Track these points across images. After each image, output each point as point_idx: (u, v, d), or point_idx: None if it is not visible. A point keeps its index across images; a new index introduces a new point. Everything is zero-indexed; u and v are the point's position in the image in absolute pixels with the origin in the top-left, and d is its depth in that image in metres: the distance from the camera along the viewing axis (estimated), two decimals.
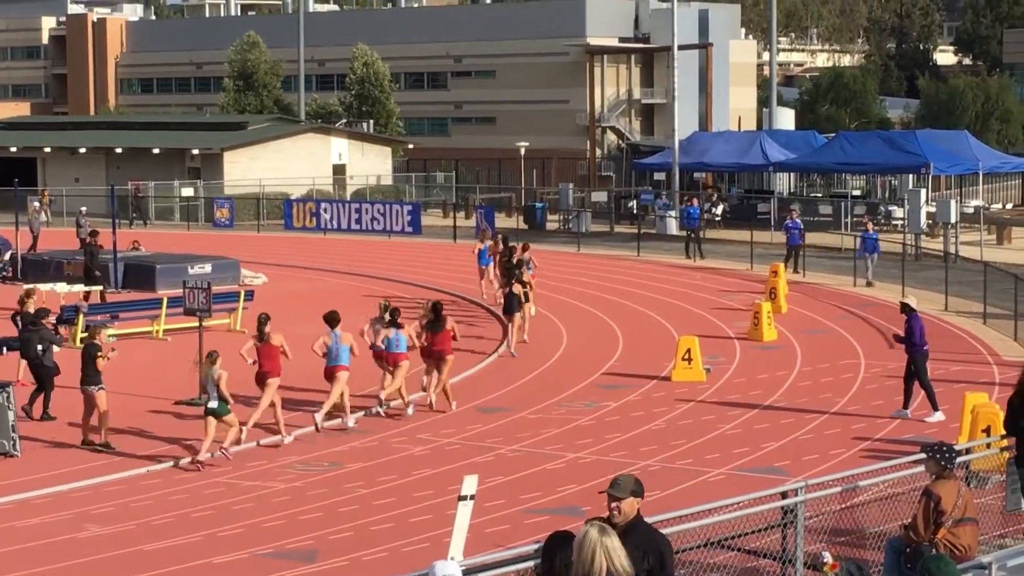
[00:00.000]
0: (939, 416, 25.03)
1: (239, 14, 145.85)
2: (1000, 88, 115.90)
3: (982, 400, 21.87)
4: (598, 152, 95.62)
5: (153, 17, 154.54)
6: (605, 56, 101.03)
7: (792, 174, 75.11)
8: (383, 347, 26.01)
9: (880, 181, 72.69)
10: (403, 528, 18.96)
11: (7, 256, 47.72)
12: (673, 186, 68.91)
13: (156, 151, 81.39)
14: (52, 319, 30.12)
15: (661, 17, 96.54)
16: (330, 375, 25.04)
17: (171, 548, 18.35)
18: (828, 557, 14.17)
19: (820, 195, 73.88)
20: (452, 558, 12.19)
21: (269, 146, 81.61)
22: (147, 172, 78.91)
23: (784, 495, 13.96)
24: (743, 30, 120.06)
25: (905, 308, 25.70)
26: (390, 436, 24.65)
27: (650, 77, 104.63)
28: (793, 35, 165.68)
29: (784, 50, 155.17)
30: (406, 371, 26.12)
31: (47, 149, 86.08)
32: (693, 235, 53.63)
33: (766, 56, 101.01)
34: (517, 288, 33.22)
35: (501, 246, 39.54)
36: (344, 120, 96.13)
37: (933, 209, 54.46)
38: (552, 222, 68.27)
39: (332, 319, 25.21)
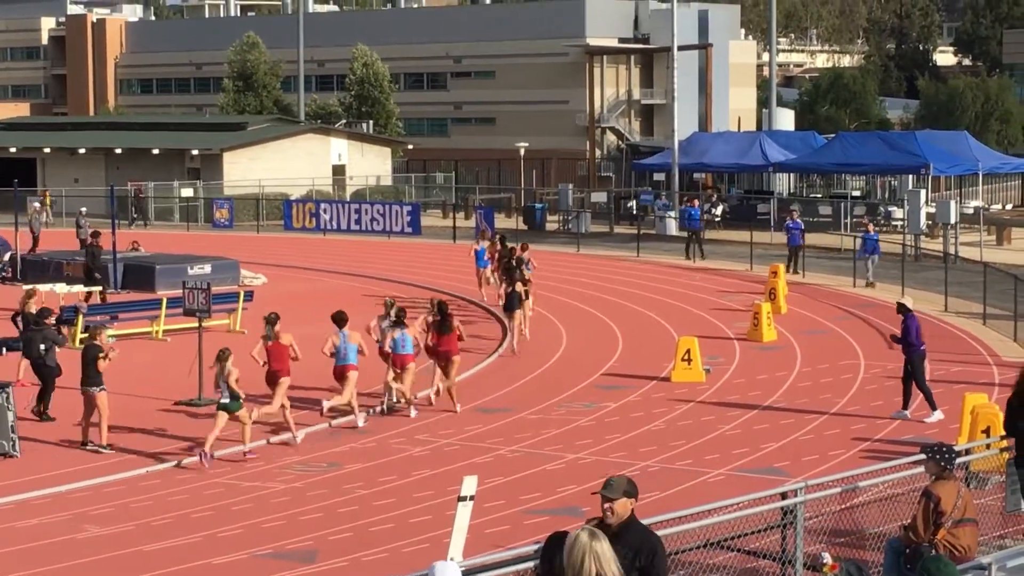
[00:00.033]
0: (938, 415, 25.05)
1: (239, 15, 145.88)
2: (1000, 89, 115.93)
3: (982, 401, 21.87)
4: (598, 153, 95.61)
5: (153, 18, 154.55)
6: (605, 57, 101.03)
7: (792, 175, 75.13)
8: (391, 349, 26.08)
9: (880, 182, 72.73)
10: (403, 529, 18.96)
11: (7, 257, 47.72)
12: (673, 187, 68.93)
13: (156, 152, 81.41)
14: (53, 319, 30.05)
15: (661, 17, 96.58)
16: (340, 375, 25.09)
17: (171, 549, 18.35)
18: (828, 558, 14.17)
19: (820, 196, 73.90)
20: (452, 559, 12.19)
21: (269, 147, 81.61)
22: (147, 173, 78.92)
23: (784, 496, 13.96)
24: (743, 31, 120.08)
25: (901, 308, 25.73)
26: (389, 437, 24.64)
27: (650, 78, 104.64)
28: (793, 36, 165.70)
29: (784, 51, 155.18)
30: (414, 373, 26.21)
31: (47, 150, 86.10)
32: (694, 236, 53.59)
33: (766, 57, 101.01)
34: (519, 286, 33.39)
35: (499, 247, 39.61)
36: (344, 121, 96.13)
37: (933, 210, 54.47)
38: (552, 223, 68.29)
39: (340, 319, 25.30)
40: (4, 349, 32.39)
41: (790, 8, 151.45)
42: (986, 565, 12.27)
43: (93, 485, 21.53)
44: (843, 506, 14.85)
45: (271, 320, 24.57)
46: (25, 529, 19.38)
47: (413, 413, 26.25)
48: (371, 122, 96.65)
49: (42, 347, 26.34)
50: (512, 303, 33.28)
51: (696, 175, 76.36)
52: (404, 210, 65.63)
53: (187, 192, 77.25)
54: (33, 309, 29.15)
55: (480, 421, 25.75)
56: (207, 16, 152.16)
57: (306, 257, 54.78)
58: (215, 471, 22.31)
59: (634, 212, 68.66)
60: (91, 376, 23.68)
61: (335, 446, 24.00)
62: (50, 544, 18.65)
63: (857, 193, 72.05)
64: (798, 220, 49.23)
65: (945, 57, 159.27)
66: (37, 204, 66.80)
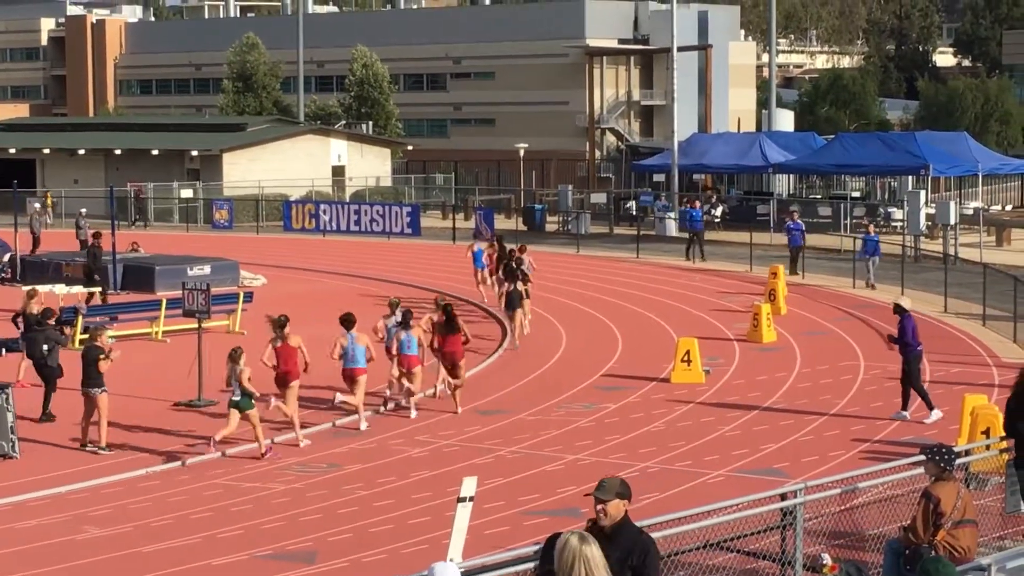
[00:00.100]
0: (937, 414, 25.06)
1: (238, 15, 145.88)
2: (999, 90, 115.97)
3: (981, 402, 21.86)
4: (597, 154, 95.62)
5: (152, 18, 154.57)
6: (604, 57, 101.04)
7: (791, 176, 75.17)
8: (397, 351, 26.17)
9: (879, 183, 72.76)
10: (402, 530, 18.95)
11: (6, 258, 47.71)
12: (672, 188, 68.95)
13: (155, 152, 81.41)
14: (53, 320, 30.05)
15: (660, 18, 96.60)
16: (348, 377, 25.13)
17: (170, 550, 18.34)
18: (827, 559, 14.17)
19: (819, 197, 73.92)
20: (451, 560, 12.19)
21: (268, 147, 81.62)
22: (146, 173, 78.92)
23: (783, 497, 13.96)
24: (742, 31, 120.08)
25: (898, 309, 25.76)
26: (389, 438, 24.64)
27: (649, 78, 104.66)
28: (792, 37, 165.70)
29: (783, 52, 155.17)
30: (420, 375, 26.34)
31: (46, 150, 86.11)
32: (695, 237, 53.48)
33: (765, 58, 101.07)
34: (519, 285, 33.66)
35: (497, 248, 39.71)
36: (343, 121, 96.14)
37: (932, 211, 54.48)
38: (551, 223, 68.32)
39: (348, 321, 25.31)
40: (4, 350, 32.40)
41: (790, 9, 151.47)
42: (986, 566, 12.27)
43: (92, 486, 21.52)
44: (843, 507, 14.84)
45: (280, 323, 24.50)
46: (24, 530, 19.37)
47: (413, 414, 26.28)
48: (371, 123, 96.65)
49: (44, 347, 26.37)
50: (513, 302, 33.39)
51: (696, 176, 76.41)
52: (404, 211, 65.64)
53: (187, 193, 77.27)
54: (35, 310, 29.18)
55: (479, 422, 25.75)
56: (207, 17, 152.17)
57: (306, 258, 54.78)
58: (214, 472, 22.31)
59: (633, 213, 68.67)
60: (92, 377, 23.68)
61: (335, 447, 23.99)
62: (49, 545, 18.64)
63: (857, 194, 72.08)
64: (799, 221, 49.21)
65: (945, 58, 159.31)
66: (38, 205, 66.80)
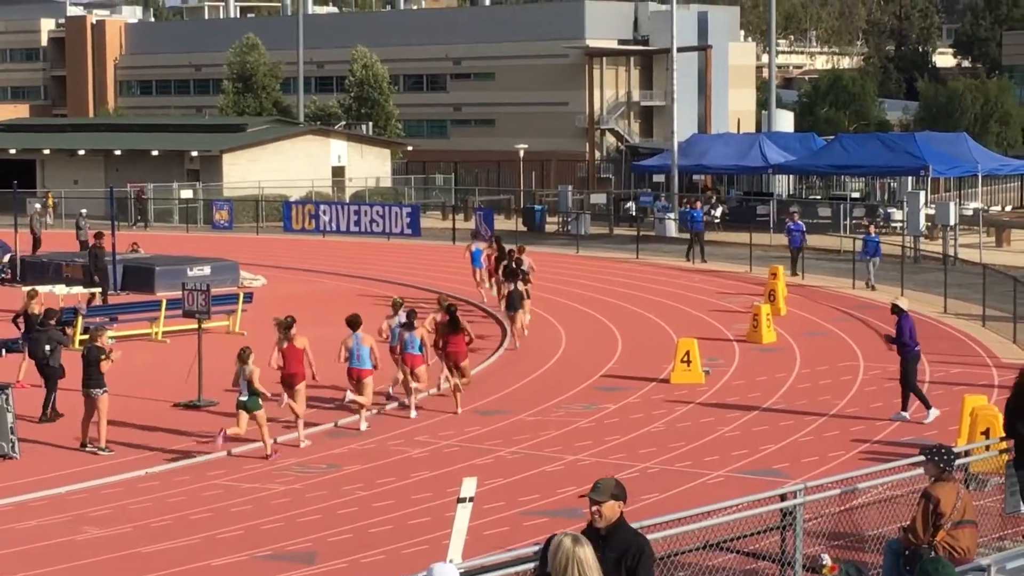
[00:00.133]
0: (935, 413, 25.11)
1: (238, 16, 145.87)
2: (999, 90, 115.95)
3: (981, 402, 21.87)
4: (597, 154, 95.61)
5: (152, 19, 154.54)
6: (604, 58, 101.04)
7: (791, 176, 75.20)
8: (400, 350, 26.31)
9: (879, 183, 72.78)
10: (402, 530, 18.95)
11: (6, 259, 47.71)
12: (672, 188, 68.97)
13: (155, 153, 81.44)
14: (54, 321, 30.09)
15: (660, 19, 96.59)
16: (355, 378, 25.17)
17: (169, 550, 18.34)
18: (827, 559, 14.19)
19: (819, 197, 73.94)
20: (451, 560, 12.19)
21: (268, 148, 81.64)
22: (146, 174, 78.95)
23: (783, 497, 13.96)
24: (742, 32, 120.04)
25: (895, 309, 25.79)
26: (388, 438, 24.64)
27: (649, 79, 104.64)
28: (792, 37, 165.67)
29: (783, 52, 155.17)
30: (425, 373, 26.50)
31: (46, 151, 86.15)
32: (696, 238, 53.39)
33: (765, 58, 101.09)
34: (520, 285, 33.79)
35: (496, 249, 39.77)
36: (343, 122, 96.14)
37: (932, 211, 54.50)
38: (551, 224, 68.34)
39: (354, 322, 25.37)
40: (3, 351, 32.41)
41: (789, 10, 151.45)
42: (985, 567, 12.27)
43: (92, 487, 21.52)
44: (842, 508, 14.85)
45: (287, 324, 24.52)
46: (24, 531, 19.37)
47: (413, 414, 26.30)
48: (370, 124, 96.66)
49: (47, 348, 26.39)
50: (513, 303, 33.47)
51: (695, 177, 76.45)
52: (403, 211, 65.65)
53: (187, 194, 77.30)
54: (36, 310, 29.21)
55: (479, 423, 25.75)
56: (206, 17, 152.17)
57: (305, 259, 54.79)
58: (214, 472, 22.31)
59: (632, 213, 68.72)
60: (94, 378, 23.69)
61: (335, 448, 24.00)
62: (49, 546, 18.65)
63: (856, 195, 72.13)
64: (799, 222, 49.16)
65: (944, 59, 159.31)
66: (38, 205, 66.81)
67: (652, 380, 29.42)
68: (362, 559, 17.86)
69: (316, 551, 18.18)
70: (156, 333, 35.39)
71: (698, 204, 57.51)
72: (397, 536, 18.68)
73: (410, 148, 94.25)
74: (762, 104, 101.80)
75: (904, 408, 25.43)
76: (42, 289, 34.14)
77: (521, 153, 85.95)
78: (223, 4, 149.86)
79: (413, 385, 26.45)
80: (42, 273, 44.66)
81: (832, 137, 77.30)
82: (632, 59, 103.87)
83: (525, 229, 65.30)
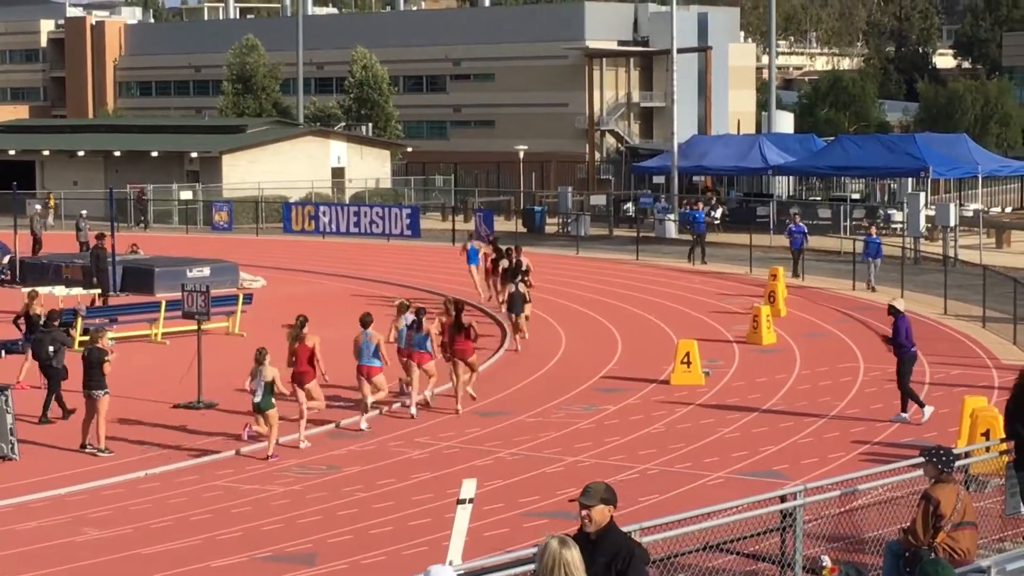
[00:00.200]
0: (929, 410, 25.17)
1: (238, 17, 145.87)
2: (999, 91, 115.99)
3: (981, 404, 21.87)
4: (597, 155, 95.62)
5: (152, 20, 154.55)
6: (604, 59, 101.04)
7: (791, 177, 75.20)
8: (408, 345, 26.51)
9: (879, 185, 72.78)
10: (402, 531, 18.95)
11: (6, 260, 47.69)
12: (672, 189, 68.97)
13: (155, 154, 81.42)
14: (57, 322, 30.10)
15: (660, 20, 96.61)
16: (364, 374, 25.40)
17: (169, 551, 18.34)
18: (827, 561, 14.19)
19: (819, 199, 73.95)
20: (451, 562, 12.19)
21: (268, 149, 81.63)
22: (146, 175, 78.95)
23: (783, 499, 13.96)
24: (742, 33, 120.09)
25: (892, 310, 25.82)
26: (388, 439, 24.64)
27: (649, 80, 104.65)
28: (792, 38, 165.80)
29: (783, 53, 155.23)
30: (434, 370, 26.80)
31: (46, 152, 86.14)
32: (698, 239, 53.30)
33: (765, 59, 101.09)
34: (522, 287, 33.83)
35: (494, 249, 39.90)
36: (343, 123, 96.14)
37: (932, 213, 54.50)
38: (551, 225, 68.33)
39: (365, 321, 25.67)
40: (3, 352, 32.41)
41: (789, 11, 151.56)
42: (985, 568, 12.28)
43: (92, 488, 21.52)
44: (842, 509, 14.85)
45: (300, 323, 24.75)
46: (24, 532, 19.37)
47: (413, 410, 26.43)
48: (370, 125, 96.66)
49: (51, 349, 26.40)
50: (515, 304, 33.63)
51: (695, 178, 76.44)
52: (403, 213, 65.64)
53: (186, 195, 77.30)
54: (38, 311, 29.23)
55: (479, 424, 25.75)
56: (206, 19, 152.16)
57: (305, 260, 54.78)
58: (214, 473, 22.31)
59: (631, 214, 68.76)
60: (96, 379, 23.70)
61: (335, 449, 23.99)
62: (49, 547, 18.64)
63: (856, 196, 72.13)
64: (801, 224, 49.08)
65: (944, 60, 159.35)
66: (39, 206, 66.80)
67: (652, 381, 29.41)
68: (362, 560, 17.86)
69: (316, 552, 18.18)
70: (155, 334, 35.38)
71: (699, 205, 57.44)
72: (397, 537, 18.68)
73: (410, 149, 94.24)
74: (762, 105, 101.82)
75: (904, 409, 25.44)
76: (42, 290, 34.14)
77: (521, 154, 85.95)
78: (223, 5, 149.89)
79: (416, 393, 26.56)
80: (42, 274, 44.64)
81: (832, 138, 77.34)
82: (632, 60, 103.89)
83: (525, 230, 65.31)
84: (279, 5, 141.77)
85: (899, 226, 57.54)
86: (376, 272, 50.04)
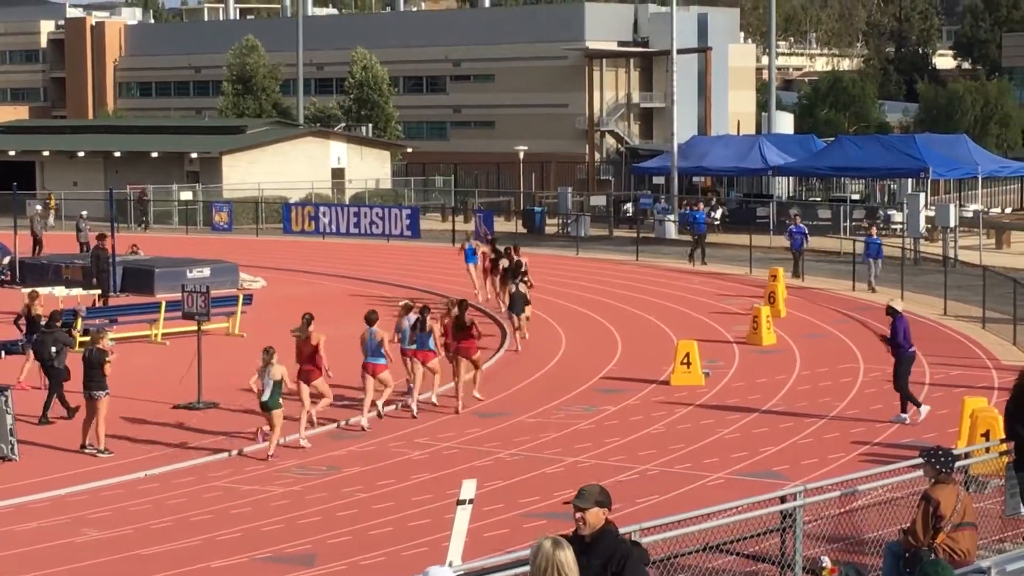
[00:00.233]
0: (925, 409, 25.20)
1: (238, 18, 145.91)
2: (999, 92, 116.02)
3: (981, 404, 21.87)
4: (597, 156, 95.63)
5: (152, 21, 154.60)
6: (604, 60, 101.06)
7: (791, 178, 75.20)
8: (413, 347, 26.62)
9: (879, 185, 72.80)
10: (402, 532, 18.95)
11: (6, 261, 47.68)
12: (672, 190, 68.98)
13: (155, 155, 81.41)
14: (60, 323, 30.12)
15: (660, 21, 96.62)
16: (368, 371, 25.52)
17: (169, 552, 18.33)
18: (827, 561, 14.19)
19: (819, 199, 73.95)
20: (451, 562, 12.19)
21: (268, 150, 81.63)
22: (145, 176, 78.95)
23: (783, 499, 13.95)
24: (742, 34, 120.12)
25: (890, 311, 25.84)
26: (388, 440, 24.64)
27: (649, 81, 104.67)
28: (792, 39, 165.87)
29: (783, 54, 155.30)
30: (439, 366, 26.93)
31: (46, 153, 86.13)
32: (699, 240, 53.28)
33: (765, 60, 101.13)
34: (522, 287, 33.88)
35: (492, 249, 39.99)
36: (343, 124, 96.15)
37: (932, 213, 54.51)
38: (551, 226, 68.33)
39: (371, 318, 25.83)
40: (3, 353, 32.40)
41: (789, 12, 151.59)
42: (985, 569, 12.27)
43: (91, 489, 21.51)
44: (842, 510, 14.84)
45: (306, 320, 24.91)
46: (24, 532, 19.37)
47: (414, 405, 26.52)
48: (370, 125, 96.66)
49: (53, 349, 26.41)
50: (516, 304, 33.71)
51: (695, 179, 76.44)
52: (403, 213, 65.64)
53: (186, 195, 77.29)
54: (39, 311, 29.24)
55: (479, 425, 25.75)
56: (206, 19, 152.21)
57: (305, 260, 54.77)
58: (214, 474, 22.31)
59: (629, 215, 68.78)
60: (96, 380, 23.70)
61: (334, 449, 23.99)
62: (49, 548, 18.64)
63: (856, 197, 72.12)
64: (801, 225, 49.03)
65: (944, 61, 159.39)
66: (39, 207, 66.80)
67: (652, 382, 29.41)
68: (362, 561, 17.86)
69: (316, 553, 18.18)
70: (155, 335, 35.38)
71: (700, 206, 57.41)
72: (397, 538, 18.67)
73: (410, 150, 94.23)
74: (762, 106, 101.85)
75: (904, 410, 25.43)
76: (42, 291, 34.12)
77: (521, 155, 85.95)
78: (223, 6, 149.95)
79: (418, 392, 26.72)
80: (42, 275, 44.63)
81: (832, 139, 77.35)
82: (632, 61, 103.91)
83: (525, 231, 65.31)
84: (279, 6, 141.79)
85: (899, 227, 57.53)
86: (376, 273, 50.04)
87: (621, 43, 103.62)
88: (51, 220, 69.76)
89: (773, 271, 40.85)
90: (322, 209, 68.20)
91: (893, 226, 60.15)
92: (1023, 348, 33.17)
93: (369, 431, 25.20)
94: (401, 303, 28.61)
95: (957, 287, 40.28)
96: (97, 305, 38.79)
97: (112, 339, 28.43)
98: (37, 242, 55.10)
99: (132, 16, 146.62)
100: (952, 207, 52.43)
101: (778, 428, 25.06)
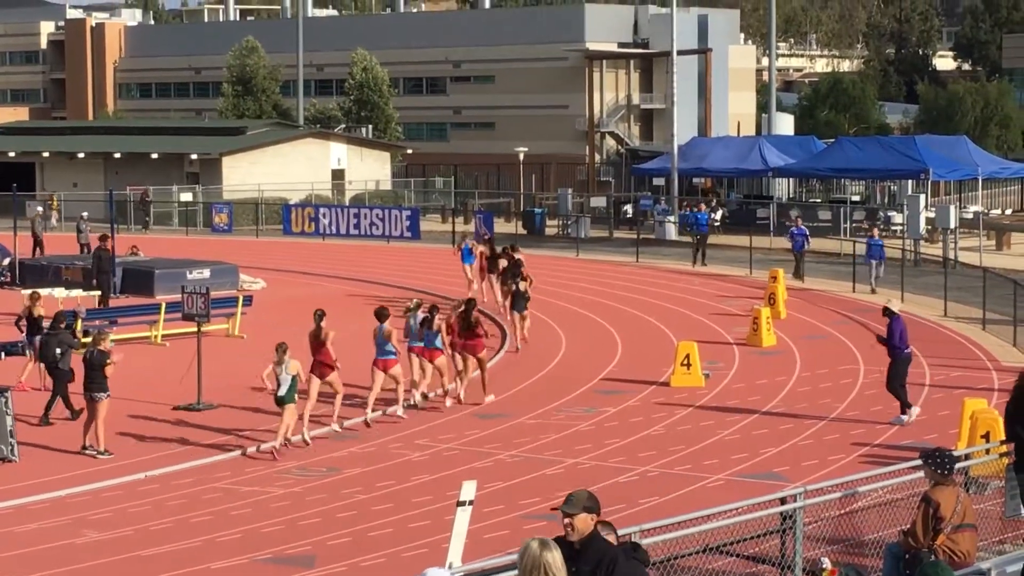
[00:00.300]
0: (915, 411, 25.23)
1: (238, 19, 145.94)
2: (999, 93, 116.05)
3: (981, 406, 21.86)
4: (597, 157, 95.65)
5: (152, 22, 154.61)
6: (604, 61, 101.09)
7: (791, 179, 75.19)
8: (420, 344, 26.85)
9: (879, 187, 72.79)
10: (401, 534, 18.95)
11: (6, 262, 47.67)
12: (672, 191, 68.97)
13: (155, 156, 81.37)
14: (63, 324, 30.11)
15: (660, 22, 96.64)
16: (379, 366, 25.75)
17: (169, 553, 18.33)
18: (827, 563, 14.18)
19: (819, 201, 73.94)
20: (451, 564, 12.19)
21: (268, 151, 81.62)
22: (145, 177, 78.92)
23: (783, 501, 13.95)
24: (742, 35, 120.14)
25: (887, 312, 25.84)
26: (388, 442, 24.63)
27: (649, 82, 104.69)
28: (792, 40, 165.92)
29: (783, 55, 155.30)
30: (445, 365, 27.17)
31: (46, 154, 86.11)
32: (701, 241, 53.22)
33: (765, 61, 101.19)
34: (523, 285, 34.04)
35: (489, 249, 40.06)
36: (343, 125, 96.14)
37: (932, 215, 54.50)
38: (551, 227, 68.30)
39: (381, 314, 26.04)
40: (3, 354, 32.39)
41: (790, 13, 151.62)
42: (985, 570, 12.28)
43: (91, 490, 21.52)
44: (842, 511, 14.84)
45: (318, 316, 25.13)
46: (24, 534, 19.37)
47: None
48: (370, 126, 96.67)
49: (58, 351, 26.42)
50: (518, 303, 33.88)
51: (695, 180, 76.43)
52: (403, 214, 65.61)
53: (186, 196, 77.28)
54: (40, 312, 29.24)
55: (479, 426, 25.75)
56: (206, 20, 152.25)
57: (305, 262, 54.76)
58: (214, 475, 22.31)
59: (629, 215, 68.76)
60: (97, 382, 23.71)
61: (334, 451, 23.99)
62: (49, 549, 18.64)
63: (856, 198, 72.10)
64: (803, 226, 48.97)
65: (945, 62, 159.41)
66: (40, 208, 66.80)
67: (652, 383, 29.40)
68: (362, 562, 17.86)
69: (316, 554, 18.18)
70: (155, 336, 35.37)
71: (702, 206, 57.43)
72: (397, 539, 18.67)
73: (410, 151, 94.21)
74: (762, 107, 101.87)
75: (903, 411, 25.43)
76: (42, 292, 34.11)
77: (521, 156, 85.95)
78: (223, 7, 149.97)
79: (423, 388, 26.99)
80: (41, 276, 44.62)
81: (832, 140, 77.35)
82: (632, 62, 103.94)
83: (525, 232, 65.28)
84: (279, 7, 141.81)
85: (899, 228, 57.52)
86: (376, 274, 50.03)
87: (621, 44, 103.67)
88: (53, 221, 69.77)
89: (773, 272, 40.85)
90: (322, 210, 68.19)
91: (893, 227, 60.12)
92: (1023, 349, 33.16)
93: (372, 429, 25.23)
94: (413, 302, 28.65)
95: (957, 288, 40.27)
96: (97, 306, 38.77)
97: (112, 340, 28.45)
98: (38, 243, 55.08)
99: (132, 17, 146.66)
100: (952, 208, 52.42)
101: (778, 429, 25.06)
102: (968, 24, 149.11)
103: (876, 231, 47.46)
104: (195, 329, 28.01)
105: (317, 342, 24.81)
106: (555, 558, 8.96)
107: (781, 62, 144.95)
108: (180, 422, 26.06)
